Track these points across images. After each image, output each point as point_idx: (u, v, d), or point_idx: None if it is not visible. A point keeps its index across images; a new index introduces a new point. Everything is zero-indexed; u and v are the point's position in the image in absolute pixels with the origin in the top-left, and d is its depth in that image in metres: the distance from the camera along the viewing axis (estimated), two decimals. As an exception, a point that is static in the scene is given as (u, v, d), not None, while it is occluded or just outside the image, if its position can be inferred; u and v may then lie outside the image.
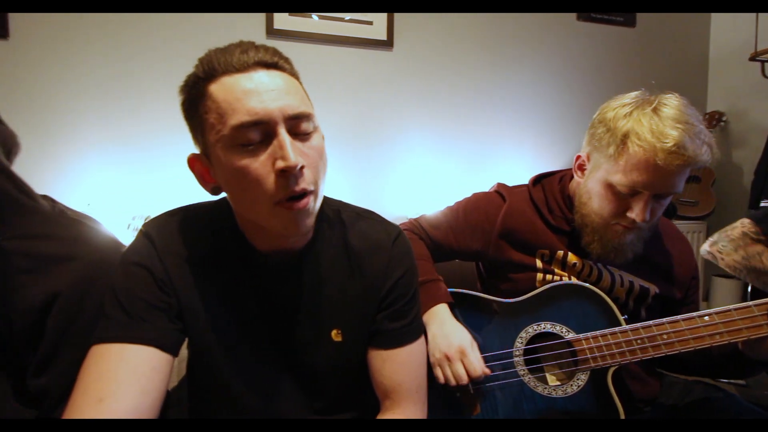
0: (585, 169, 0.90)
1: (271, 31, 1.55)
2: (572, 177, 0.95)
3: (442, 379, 0.81)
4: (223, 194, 0.66)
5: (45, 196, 0.73)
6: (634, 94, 0.86)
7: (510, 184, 1.05)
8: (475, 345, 0.83)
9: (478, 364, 0.80)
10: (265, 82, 0.55)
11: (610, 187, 0.83)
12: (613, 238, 0.86)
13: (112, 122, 1.39)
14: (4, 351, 0.64)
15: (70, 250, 0.65)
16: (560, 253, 0.92)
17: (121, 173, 1.40)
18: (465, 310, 0.91)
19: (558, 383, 0.85)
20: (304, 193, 0.57)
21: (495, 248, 0.95)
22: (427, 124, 1.81)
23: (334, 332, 0.70)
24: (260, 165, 0.55)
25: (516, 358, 0.85)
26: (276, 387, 0.69)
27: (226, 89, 0.55)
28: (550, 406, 0.82)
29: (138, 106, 1.42)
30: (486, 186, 1.08)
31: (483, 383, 0.84)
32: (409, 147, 1.80)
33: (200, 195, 0.66)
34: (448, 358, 0.81)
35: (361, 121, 1.73)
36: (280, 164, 0.54)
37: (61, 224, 0.68)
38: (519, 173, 1.94)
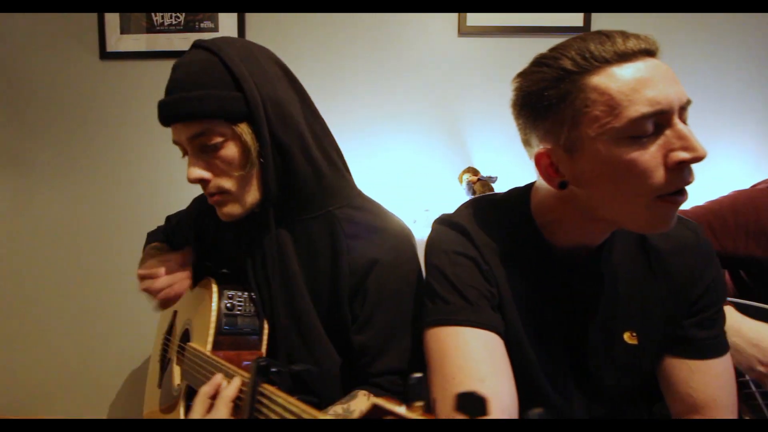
0: None
1: (463, 30, 1.57)
2: None
3: None
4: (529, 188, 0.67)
5: None
6: None
7: None
8: None
9: None
10: (658, 71, 0.52)
11: None
12: None
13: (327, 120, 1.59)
14: (332, 308, 0.73)
15: (382, 223, 0.74)
16: None
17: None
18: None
19: None
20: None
21: (784, 254, 0.81)
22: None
23: (627, 334, 0.66)
24: (650, 157, 0.53)
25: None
26: (566, 386, 0.67)
27: (618, 80, 0.52)
28: None
29: (347, 105, 1.58)
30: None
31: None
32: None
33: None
34: None
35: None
36: (683, 155, 0.52)
37: (367, 200, 0.78)
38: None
